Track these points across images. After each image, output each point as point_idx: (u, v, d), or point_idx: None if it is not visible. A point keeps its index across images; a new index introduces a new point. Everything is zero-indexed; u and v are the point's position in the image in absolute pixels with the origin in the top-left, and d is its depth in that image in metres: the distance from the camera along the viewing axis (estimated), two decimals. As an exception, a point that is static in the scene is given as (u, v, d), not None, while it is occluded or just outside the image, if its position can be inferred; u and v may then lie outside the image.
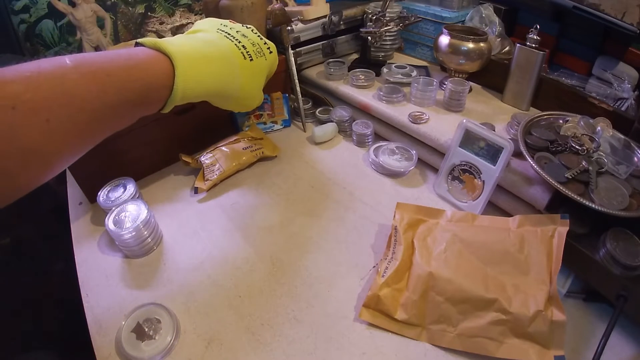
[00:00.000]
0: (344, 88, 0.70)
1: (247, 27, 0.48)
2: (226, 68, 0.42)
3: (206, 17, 0.92)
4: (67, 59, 0.30)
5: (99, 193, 0.53)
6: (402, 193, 0.57)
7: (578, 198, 0.40)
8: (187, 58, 0.37)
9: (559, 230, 0.38)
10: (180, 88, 0.36)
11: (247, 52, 0.44)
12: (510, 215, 0.47)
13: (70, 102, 0.29)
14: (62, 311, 0.52)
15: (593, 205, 0.39)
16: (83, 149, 0.33)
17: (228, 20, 0.48)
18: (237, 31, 0.46)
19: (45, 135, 0.28)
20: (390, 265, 0.42)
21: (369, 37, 0.72)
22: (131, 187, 0.53)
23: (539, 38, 0.57)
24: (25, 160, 0.28)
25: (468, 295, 0.37)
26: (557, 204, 0.43)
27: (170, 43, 0.37)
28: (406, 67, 0.71)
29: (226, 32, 0.44)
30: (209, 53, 0.40)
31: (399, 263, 0.42)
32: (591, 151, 0.44)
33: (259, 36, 0.48)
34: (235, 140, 0.63)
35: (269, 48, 0.48)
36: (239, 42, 0.44)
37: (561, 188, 0.41)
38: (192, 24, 0.95)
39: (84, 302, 0.43)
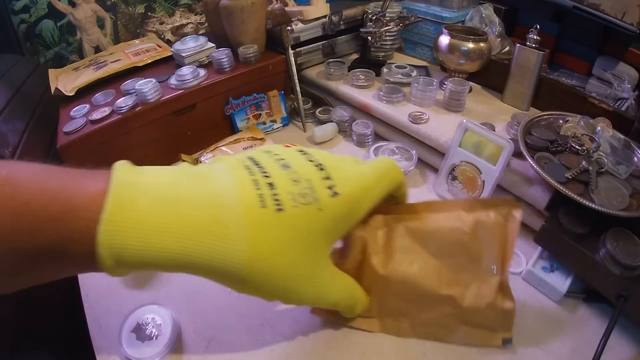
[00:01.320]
0: (344, 88, 0.70)
1: (301, 153, 0.31)
2: (204, 218, 0.25)
3: (206, 17, 0.88)
4: None
5: (99, 193, 0.53)
6: (402, 193, 0.57)
7: (578, 198, 0.40)
8: (130, 201, 0.24)
9: (514, 213, 0.36)
10: (107, 248, 0.24)
11: (273, 193, 0.26)
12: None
13: None
14: (62, 311, 0.52)
15: (593, 205, 0.39)
16: None
17: (282, 145, 0.33)
18: (277, 158, 0.29)
19: None
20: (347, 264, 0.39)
21: (369, 37, 0.72)
22: (131, 187, 0.53)
23: (539, 38, 0.57)
24: None
25: (422, 292, 0.36)
26: (557, 204, 0.43)
27: (128, 181, 0.25)
28: (406, 67, 0.71)
29: (251, 161, 0.29)
30: (175, 193, 0.25)
31: (351, 264, 0.38)
32: (591, 151, 0.44)
33: (318, 165, 0.29)
34: (235, 140, 0.63)
35: (331, 187, 0.28)
36: (266, 174, 0.27)
37: (561, 188, 0.41)
38: (192, 23, 0.95)
39: (84, 302, 0.43)
